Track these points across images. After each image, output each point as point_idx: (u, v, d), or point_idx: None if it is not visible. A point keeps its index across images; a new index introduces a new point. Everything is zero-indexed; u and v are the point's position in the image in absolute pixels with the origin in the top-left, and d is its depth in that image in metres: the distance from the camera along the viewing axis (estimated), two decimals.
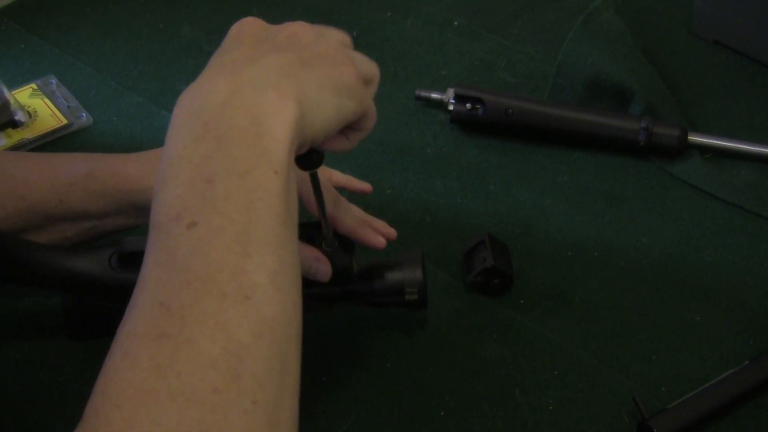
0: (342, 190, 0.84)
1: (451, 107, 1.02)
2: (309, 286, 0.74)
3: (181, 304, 0.47)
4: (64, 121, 1.05)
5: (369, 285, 0.78)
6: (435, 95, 1.05)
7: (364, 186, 0.86)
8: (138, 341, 0.47)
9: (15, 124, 1.04)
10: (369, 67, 0.62)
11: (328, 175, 0.85)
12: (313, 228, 0.76)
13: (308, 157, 0.60)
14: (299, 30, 0.61)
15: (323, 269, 0.73)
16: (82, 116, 1.06)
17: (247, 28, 0.61)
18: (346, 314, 0.86)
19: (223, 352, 0.46)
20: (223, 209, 0.49)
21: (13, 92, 1.06)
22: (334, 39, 0.61)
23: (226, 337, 0.47)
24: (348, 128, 0.60)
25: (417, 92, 1.06)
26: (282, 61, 0.56)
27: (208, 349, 0.46)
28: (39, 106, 1.06)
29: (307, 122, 0.54)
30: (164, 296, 0.48)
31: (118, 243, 0.75)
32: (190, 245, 0.48)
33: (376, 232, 0.78)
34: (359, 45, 1.15)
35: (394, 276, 0.78)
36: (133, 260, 0.75)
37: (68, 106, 1.06)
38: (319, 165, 0.62)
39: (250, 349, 0.47)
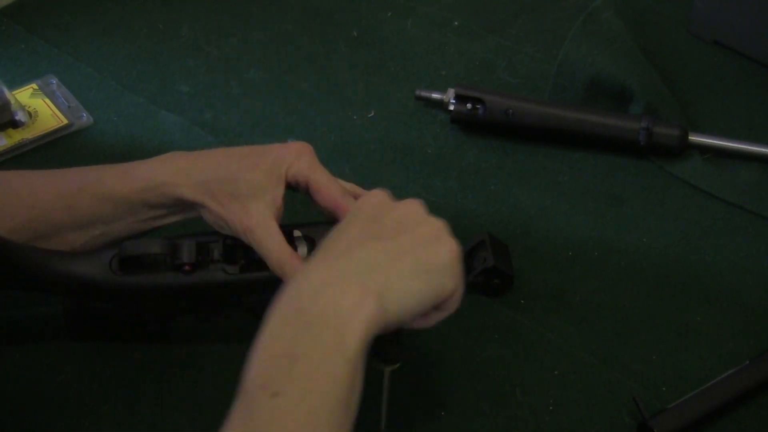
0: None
1: (451, 107, 1.02)
2: None
3: None
4: (65, 121, 1.05)
5: None
6: (435, 95, 1.05)
7: None
8: None
9: (15, 125, 1.04)
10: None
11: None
12: (313, 229, 0.77)
13: (385, 352, 0.70)
14: (411, 212, 0.68)
15: None
16: (83, 116, 1.06)
17: (368, 205, 0.68)
18: None
19: None
20: (301, 386, 0.58)
21: (13, 92, 1.06)
22: (440, 222, 0.68)
23: None
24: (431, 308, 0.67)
25: (417, 92, 1.06)
26: (376, 254, 0.64)
27: None
28: (39, 106, 1.06)
29: (389, 313, 0.62)
30: None
31: (119, 246, 0.75)
32: (271, 413, 0.57)
33: None
34: (359, 45, 1.15)
35: None
36: (133, 263, 0.75)
37: (68, 106, 1.06)
38: (394, 363, 0.72)
39: None
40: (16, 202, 0.78)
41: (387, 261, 0.63)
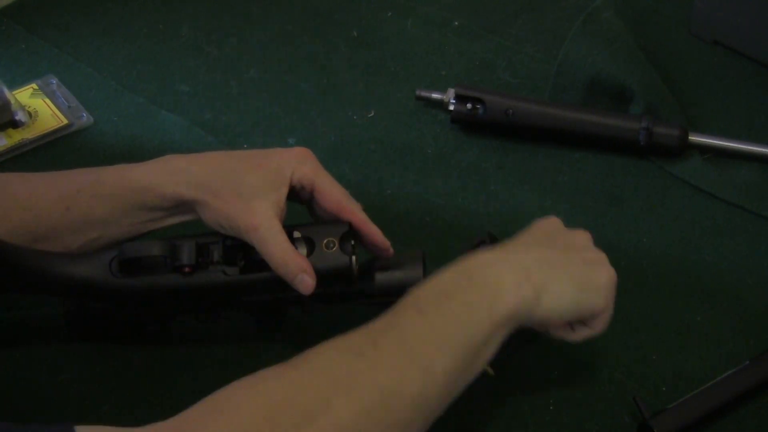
0: None
1: (451, 107, 1.02)
2: None
3: (383, 346, 0.65)
4: (65, 121, 1.05)
5: (370, 285, 0.78)
6: (435, 95, 1.05)
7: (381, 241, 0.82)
8: (345, 353, 0.66)
9: (15, 124, 1.04)
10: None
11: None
12: (312, 229, 0.76)
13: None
14: (581, 238, 0.75)
15: (307, 281, 0.74)
16: (83, 116, 1.06)
17: (544, 224, 0.76)
18: (346, 314, 0.85)
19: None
20: (445, 315, 0.67)
21: (13, 92, 1.06)
22: (603, 254, 0.75)
23: (396, 385, 0.64)
24: (579, 322, 0.74)
25: (417, 92, 1.06)
26: (545, 255, 0.71)
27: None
28: (39, 106, 1.06)
29: (540, 307, 0.69)
30: (377, 338, 0.66)
31: (119, 248, 0.75)
32: (411, 323, 0.67)
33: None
34: (359, 45, 1.15)
35: (395, 276, 0.78)
36: (133, 265, 0.75)
37: (69, 106, 1.07)
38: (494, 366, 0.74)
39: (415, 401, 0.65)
40: (14, 205, 0.78)
41: (553, 265, 0.70)
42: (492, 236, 0.88)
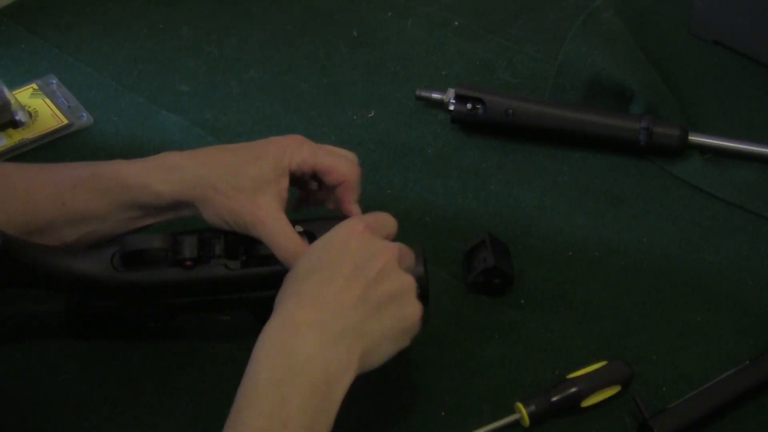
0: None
1: (451, 107, 1.02)
2: None
3: None
4: (65, 121, 1.05)
5: None
6: (435, 95, 1.05)
7: None
8: None
9: (16, 124, 1.04)
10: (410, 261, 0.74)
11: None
12: (314, 224, 0.76)
13: None
14: (389, 266, 0.70)
15: None
16: (83, 116, 1.06)
17: (353, 246, 0.70)
18: None
19: None
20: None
21: (13, 92, 1.06)
22: (410, 280, 0.72)
23: None
24: None
25: (417, 92, 1.06)
26: (361, 317, 0.67)
27: None
28: (39, 106, 1.06)
29: (363, 368, 0.68)
30: None
31: (120, 242, 0.75)
32: None
33: None
34: (359, 45, 1.15)
35: None
36: (135, 258, 0.75)
37: (69, 106, 1.06)
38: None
39: None
40: (11, 196, 0.78)
41: (370, 326, 0.68)
42: (492, 236, 0.88)
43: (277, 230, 0.74)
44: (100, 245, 0.77)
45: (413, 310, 0.71)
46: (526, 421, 0.77)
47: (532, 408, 0.77)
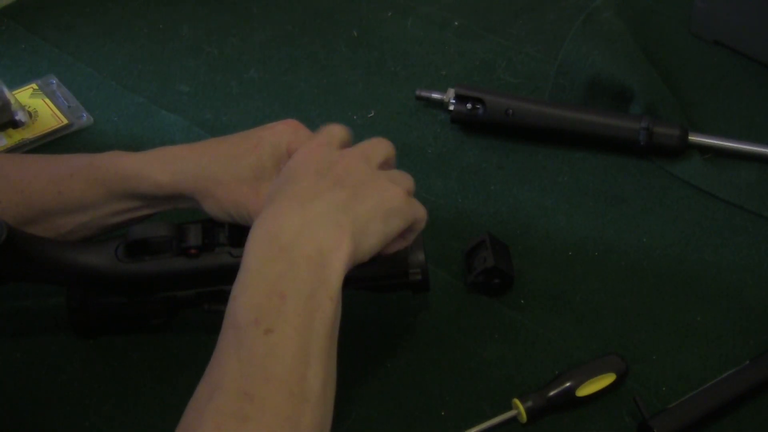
0: None
1: (451, 107, 1.02)
2: None
3: (261, 396, 0.59)
4: (65, 121, 1.05)
5: (372, 267, 0.78)
6: (435, 95, 1.05)
7: None
8: (227, 419, 0.59)
9: (15, 124, 1.04)
10: (409, 181, 0.74)
11: None
12: None
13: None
14: (353, 163, 0.70)
15: None
16: (83, 116, 1.06)
17: (311, 158, 0.71)
18: (346, 314, 0.85)
19: None
20: (293, 322, 0.62)
21: (13, 92, 1.06)
22: (378, 167, 0.72)
23: (292, 428, 0.60)
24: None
25: (417, 92, 1.06)
26: (341, 198, 0.67)
27: None
28: (39, 106, 1.06)
29: (358, 250, 0.66)
30: (248, 387, 0.59)
31: (125, 232, 0.75)
32: (267, 348, 0.61)
33: None
34: (359, 45, 1.15)
35: (397, 257, 0.78)
36: (140, 247, 0.75)
37: (69, 106, 1.07)
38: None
39: None
40: (6, 186, 0.78)
41: (353, 205, 0.67)
42: (492, 236, 0.88)
43: None
44: (103, 238, 0.77)
45: (394, 190, 0.70)
46: (524, 417, 0.77)
47: (529, 404, 0.77)
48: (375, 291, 0.81)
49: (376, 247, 0.68)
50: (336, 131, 0.76)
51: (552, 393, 0.77)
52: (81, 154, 0.80)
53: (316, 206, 0.66)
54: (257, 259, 0.64)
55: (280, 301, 0.62)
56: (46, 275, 0.76)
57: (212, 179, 0.75)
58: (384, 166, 0.73)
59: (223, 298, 0.79)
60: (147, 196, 0.77)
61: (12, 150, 1.02)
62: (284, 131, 0.77)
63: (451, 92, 1.03)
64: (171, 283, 0.77)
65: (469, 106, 1.02)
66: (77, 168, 0.78)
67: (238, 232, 0.76)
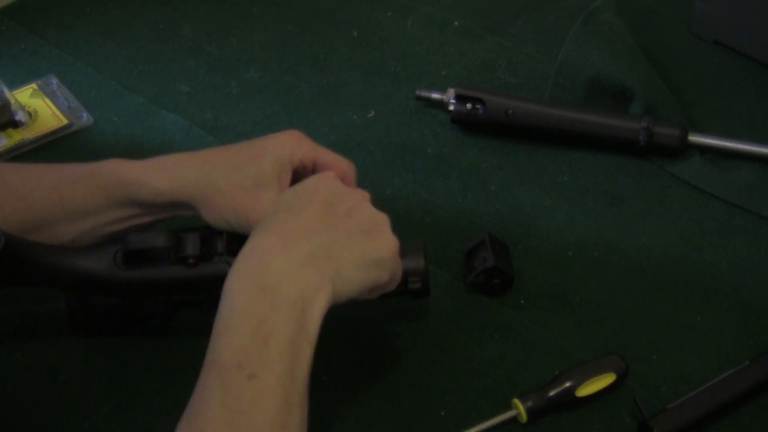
0: None
1: (451, 107, 1.02)
2: None
3: None
4: (65, 121, 1.05)
5: None
6: (435, 95, 1.05)
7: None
8: None
9: (15, 124, 1.04)
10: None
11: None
12: None
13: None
14: (360, 203, 0.72)
15: None
16: (83, 116, 1.06)
17: (323, 188, 0.72)
18: (346, 314, 0.85)
19: None
20: (276, 369, 0.63)
21: (13, 92, 1.06)
22: (384, 217, 0.73)
23: None
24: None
25: (417, 92, 1.06)
26: (331, 240, 0.68)
27: None
28: (39, 106, 1.06)
29: (337, 295, 0.68)
30: None
31: (123, 240, 0.75)
32: (251, 396, 0.62)
33: None
34: (359, 45, 1.15)
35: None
36: (137, 257, 0.75)
37: (69, 106, 1.07)
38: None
39: None
40: (8, 194, 0.78)
41: (339, 251, 0.68)
42: (492, 236, 0.88)
43: None
44: (102, 245, 0.77)
45: (385, 242, 0.71)
46: (524, 417, 0.77)
47: (529, 404, 0.77)
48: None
49: (354, 294, 0.70)
50: (352, 168, 0.78)
51: (552, 393, 0.77)
52: (82, 163, 0.80)
53: (303, 247, 0.67)
54: (241, 297, 0.65)
55: (263, 345, 0.63)
56: (44, 280, 0.76)
57: (212, 186, 0.75)
58: None
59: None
60: (147, 203, 0.77)
61: (12, 150, 1.02)
62: (287, 141, 0.77)
63: (451, 92, 1.03)
64: (169, 290, 0.77)
65: (469, 106, 1.02)
66: (79, 175, 0.78)
67: (236, 242, 0.76)
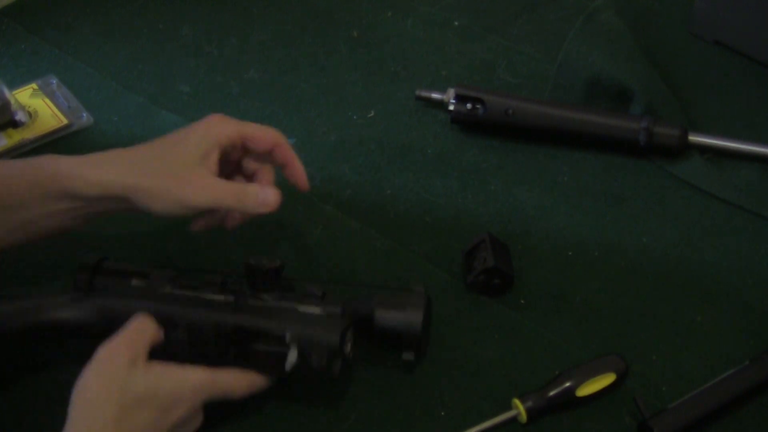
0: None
1: (451, 107, 1.02)
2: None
3: None
4: (65, 121, 1.05)
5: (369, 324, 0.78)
6: (435, 95, 1.05)
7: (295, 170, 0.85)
8: None
9: (15, 125, 1.04)
10: None
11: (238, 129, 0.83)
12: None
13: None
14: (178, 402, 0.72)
15: (269, 195, 0.79)
16: (83, 116, 1.06)
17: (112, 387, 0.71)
18: None
19: None
20: None
21: (13, 92, 1.06)
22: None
23: None
24: None
25: (417, 92, 1.06)
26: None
27: None
28: (39, 106, 1.06)
29: None
30: None
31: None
32: None
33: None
34: (359, 45, 1.15)
35: (394, 318, 0.78)
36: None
37: (69, 106, 1.06)
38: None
39: None
40: None
41: None
42: (492, 236, 0.88)
43: (214, 192, 0.76)
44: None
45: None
46: (524, 417, 0.77)
47: (529, 404, 0.77)
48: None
49: None
50: (281, 135, 0.82)
51: (552, 393, 0.77)
52: (18, 159, 0.82)
53: None
54: None
55: None
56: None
57: (142, 174, 0.76)
58: None
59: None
60: (80, 195, 0.77)
61: (12, 150, 1.02)
62: (212, 122, 0.80)
63: (451, 92, 1.03)
64: None
65: (469, 106, 1.02)
66: (13, 170, 0.79)
67: (224, 341, 0.75)
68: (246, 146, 0.82)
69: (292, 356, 0.73)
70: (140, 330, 0.72)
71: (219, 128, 0.79)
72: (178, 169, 0.77)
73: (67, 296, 0.77)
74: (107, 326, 0.74)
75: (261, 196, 0.78)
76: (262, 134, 0.82)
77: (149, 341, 0.72)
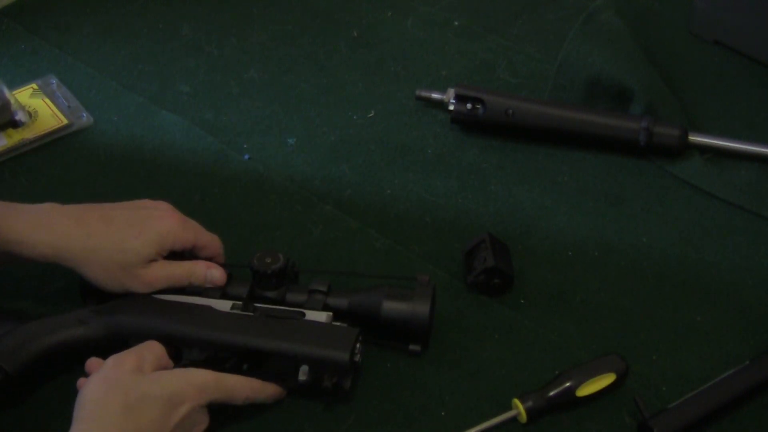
0: None
1: (451, 107, 1.02)
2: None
3: None
4: (65, 121, 1.05)
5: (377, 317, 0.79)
6: (435, 95, 1.05)
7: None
8: None
9: (15, 125, 1.04)
10: None
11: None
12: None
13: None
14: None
15: (215, 273, 0.81)
16: (83, 116, 1.06)
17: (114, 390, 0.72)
18: None
19: None
20: None
21: (13, 92, 1.06)
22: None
23: None
24: None
25: (417, 92, 1.06)
26: None
27: None
28: (39, 106, 1.06)
29: None
30: None
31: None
32: None
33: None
34: (359, 45, 1.15)
35: (402, 311, 0.79)
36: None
37: (69, 106, 1.06)
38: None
39: None
40: None
41: None
42: (492, 236, 0.88)
43: (167, 275, 0.80)
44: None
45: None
46: (524, 417, 0.77)
47: (529, 404, 0.77)
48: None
49: None
50: (221, 247, 0.84)
51: (552, 393, 0.77)
52: None
53: None
54: None
55: None
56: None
57: (94, 258, 0.78)
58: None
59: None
60: (27, 260, 0.79)
61: (12, 150, 1.02)
62: (171, 226, 0.80)
63: (451, 92, 1.03)
64: None
65: (469, 106, 1.02)
66: None
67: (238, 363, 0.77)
68: (194, 251, 0.83)
69: (303, 375, 0.75)
70: (150, 346, 0.75)
71: (175, 236, 0.80)
72: (131, 266, 0.78)
73: (78, 315, 0.79)
74: (121, 345, 0.76)
75: (209, 276, 0.81)
76: (212, 246, 0.83)
77: (157, 359, 0.74)
